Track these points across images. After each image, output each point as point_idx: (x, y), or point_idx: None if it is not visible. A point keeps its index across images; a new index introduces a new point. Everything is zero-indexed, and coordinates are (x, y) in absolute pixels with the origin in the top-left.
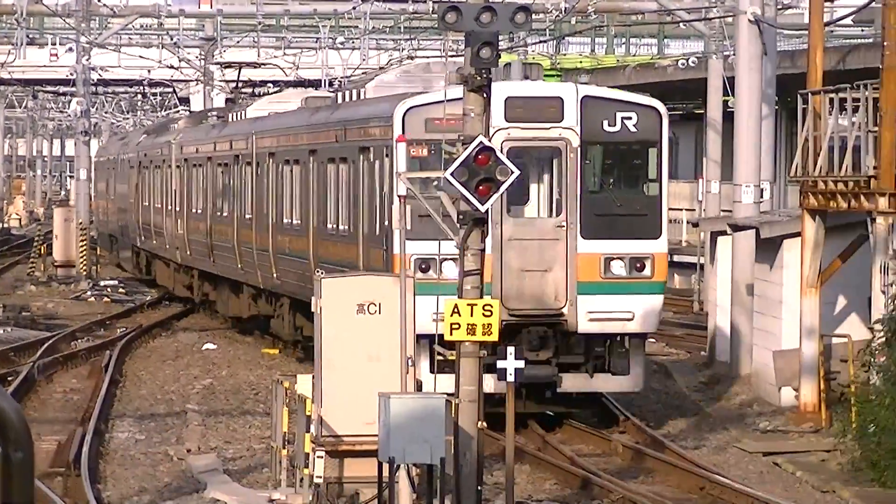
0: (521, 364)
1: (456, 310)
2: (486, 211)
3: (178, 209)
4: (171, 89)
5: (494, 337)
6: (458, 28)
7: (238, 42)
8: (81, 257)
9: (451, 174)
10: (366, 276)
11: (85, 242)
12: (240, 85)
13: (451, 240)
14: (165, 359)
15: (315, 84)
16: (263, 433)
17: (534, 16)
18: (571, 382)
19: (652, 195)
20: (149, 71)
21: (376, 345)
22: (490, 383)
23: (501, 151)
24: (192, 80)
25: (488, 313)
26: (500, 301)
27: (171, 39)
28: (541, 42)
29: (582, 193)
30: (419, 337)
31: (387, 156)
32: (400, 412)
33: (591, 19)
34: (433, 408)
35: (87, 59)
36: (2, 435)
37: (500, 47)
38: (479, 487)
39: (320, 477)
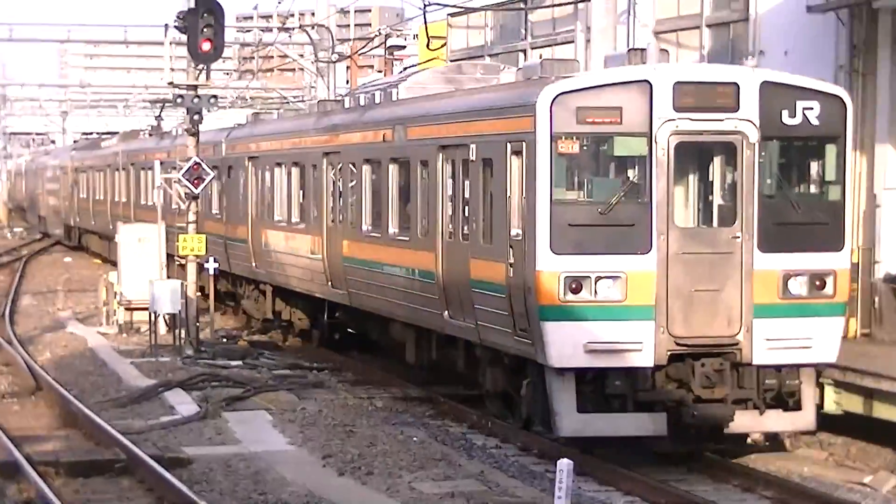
0: (216, 265)
1: (185, 240)
2: (199, 194)
3: (125, 200)
4: (46, 135)
5: (202, 252)
6: (183, 105)
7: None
8: (3, 218)
9: (182, 175)
10: (140, 224)
11: (5, 211)
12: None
13: (610, 254)
14: (47, 265)
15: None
16: (95, 300)
17: (219, 100)
18: (741, 421)
19: (834, 199)
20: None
21: (148, 257)
22: (645, 423)
23: (668, 148)
24: (56, 132)
25: (200, 242)
26: (665, 327)
27: (46, 113)
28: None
29: (760, 198)
30: (563, 370)
31: (514, 153)
32: (159, 288)
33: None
34: (175, 286)
35: (6, 126)
36: None
37: (202, 115)
38: (196, 324)
39: (122, 321)
